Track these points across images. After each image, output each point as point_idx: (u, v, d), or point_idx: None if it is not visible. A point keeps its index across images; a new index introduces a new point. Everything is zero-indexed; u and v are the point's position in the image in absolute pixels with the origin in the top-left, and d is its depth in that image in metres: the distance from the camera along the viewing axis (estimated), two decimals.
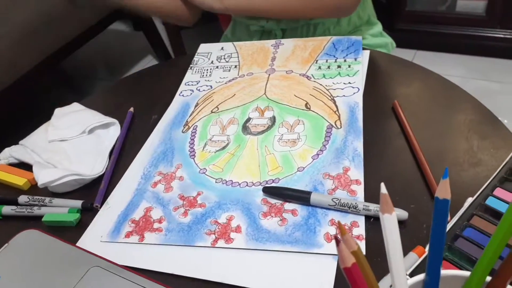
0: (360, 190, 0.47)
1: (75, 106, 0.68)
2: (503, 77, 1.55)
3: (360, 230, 0.43)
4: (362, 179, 0.49)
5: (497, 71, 1.57)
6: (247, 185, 0.51)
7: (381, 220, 0.23)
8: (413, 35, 1.63)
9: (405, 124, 0.54)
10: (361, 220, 0.44)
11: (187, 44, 1.82)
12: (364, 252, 0.42)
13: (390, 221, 0.22)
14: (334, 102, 0.60)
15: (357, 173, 0.49)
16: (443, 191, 0.23)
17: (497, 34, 1.53)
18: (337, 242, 0.20)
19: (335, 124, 0.57)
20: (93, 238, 0.48)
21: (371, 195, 0.47)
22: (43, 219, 0.51)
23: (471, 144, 0.51)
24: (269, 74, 0.68)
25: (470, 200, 0.43)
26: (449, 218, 0.43)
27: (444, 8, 1.63)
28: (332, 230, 0.44)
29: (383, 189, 0.22)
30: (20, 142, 0.62)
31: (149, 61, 2.09)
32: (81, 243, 0.48)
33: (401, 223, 0.44)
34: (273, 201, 0.49)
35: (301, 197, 0.47)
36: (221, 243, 0.45)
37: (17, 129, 0.64)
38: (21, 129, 0.66)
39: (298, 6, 0.74)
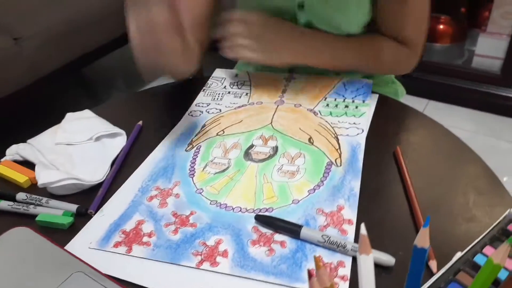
0: (351, 230, 0.48)
1: (87, 112, 0.70)
2: None
3: (345, 270, 0.43)
4: (354, 220, 0.49)
5: (507, 130, 1.57)
6: (240, 211, 0.51)
7: (358, 260, 0.23)
8: (427, 85, 1.65)
9: (404, 171, 0.55)
10: (348, 261, 0.44)
11: (205, 65, 1.85)
12: None
13: (367, 262, 0.23)
14: (337, 140, 0.61)
15: (351, 212, 0.50)
16: (422, 239, 0.24)
17: (510, 93, 1.54)
18: (310, 276, 0.21)
19: (335, 162, 0.57)
20: (82, 244, 0.49)
21: None
22: (37, 218, 0.52)
23: (467, 198, 0.51)
24: (278, 105, 0.69)
25: (459, 254, 0.43)
26: (435, 270, 0.43)
27: (461, 62, 1.65)
28: None
29: (363, 230, 0.23)
30: (28, 140, 0.64)
31: (166, 79, 2.13)
32: (69, 246, 0.49)
33: (387, 268, 0.44)
34: (263, 230, 0.49)
35: (292, 230, 0.48)
36: (206, 265, 0.45)
37: (29, 127, 0.66)
38: (32, 127, 0.67)
39: (356, 64, 0.74)
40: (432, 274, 0.42)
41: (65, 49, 1.40)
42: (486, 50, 1.55)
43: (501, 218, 0.46)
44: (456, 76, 1.62)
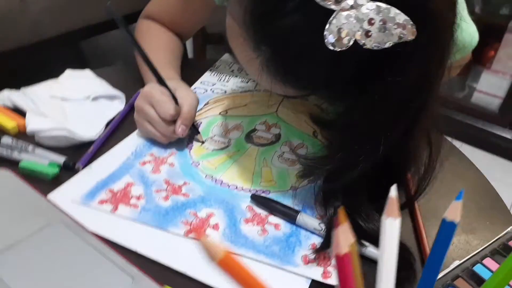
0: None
1: (87, 72, 0.67)
2: (503, 176, 1.56)
3: None
4: None
5: (497, 169, 1.58)
6: (236, 189, 0.49)
7: (382, 224, 0.21)
8: None
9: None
10: None
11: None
12: None
13: (392, 227, 0.21)
14: None
15: None
16: (452, 212, 0.22)
17: (505, 134, 1.56)
18: (336, 225, 0.19)
19: None
20: (65, 197, 0.46)
21: None
22: (20, 164, 0.49)
23: (468, 211, 0.50)
24: (285, 96, 0.68)
25: (456, 263, 0.41)
26: None
27: (461, 96, 1.67)
28: (312, 254, 0.42)
29: (393, 191, 0.21)
30: (22, 88, 0.61)
31: None
32: (50, 197, 0.46)
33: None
34: (258, 210, 0.47)
35: (288, 214, 0.45)
36: (194, 235, 0.43)
37: (21, 86, 0.62)
38: (25, 86, 0.63)
39: None
40: None
41: (68, 16, 1.37)
42: (488, 87, 1.56)
43: (503, 233, 0.45)
44: (454, 109, 1.63)
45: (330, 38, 0.33)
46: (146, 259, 0.40)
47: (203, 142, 0.56)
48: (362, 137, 0.40)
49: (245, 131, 0.59)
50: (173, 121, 0.53)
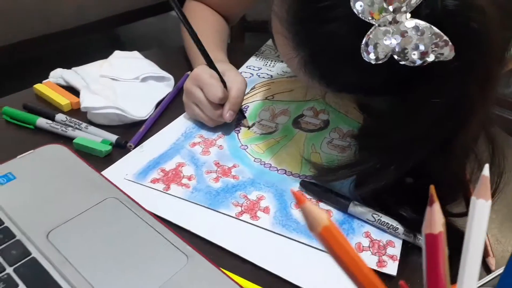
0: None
1: (135, 53, 0.68)
2: None
3: (395, 250, 0.40)
4: None
5: None
6: (285, 173, 0.49)
7: (472, 204, 0.20)
8: None
9: None
10: (398, 242, 0.41)
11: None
12: (395, 273, 0.38)
13: (483, 208, 0.20)
14: None
15: None
16: None
17: None
18: (431, 202, 0.18)
19: None
20: (118, 174, 0.46)
21: None
22: (74, 140, 0.50)
23: None
24: None
25: None
26: (494, 267, 0.39)
27: (507, 91, 1.60)
28: (366, 242, 0.41)
29: (486, 170, 0.20)
30: (73, 68, 0.62)
31: None
32: (104, 174, 0.46)
33: None
34: (308, 196, 0.46)
35: (339, 202, 0.44)
36: (246, 217, 0.42)
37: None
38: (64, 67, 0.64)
39: None
40: (489, 271, 0.39)
41: (110, 1, 1.40)
42: None
43: None
44: (499, 104, 1.57)
45: (366, 51, 0.33)
46: (199, 239, 0.40)
47: (249, 127, 0.56)
48: (397, 138, 0.38)
49: (292, 116, 0.58)
50: (220, 105, 0.52)
